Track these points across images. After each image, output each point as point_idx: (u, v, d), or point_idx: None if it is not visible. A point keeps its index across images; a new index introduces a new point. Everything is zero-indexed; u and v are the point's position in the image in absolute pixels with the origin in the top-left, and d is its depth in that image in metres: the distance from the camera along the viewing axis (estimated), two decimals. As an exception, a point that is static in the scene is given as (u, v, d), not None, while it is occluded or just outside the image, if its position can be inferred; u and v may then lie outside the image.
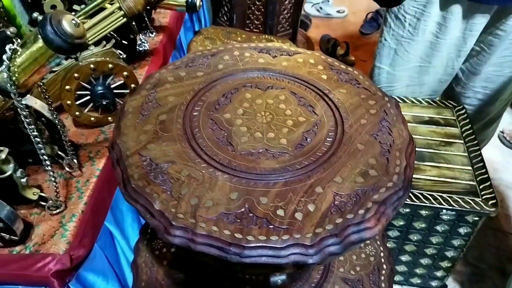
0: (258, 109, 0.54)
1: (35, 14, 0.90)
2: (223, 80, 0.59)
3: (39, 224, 0.71)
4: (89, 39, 0.75)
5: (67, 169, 0.77)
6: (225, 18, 1.44)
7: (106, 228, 0.82)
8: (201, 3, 1.04)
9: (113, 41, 0.91)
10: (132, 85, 0.87)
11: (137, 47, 1.08)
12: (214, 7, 1.56)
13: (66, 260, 0.67)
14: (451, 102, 1.36)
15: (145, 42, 1.10)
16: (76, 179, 0.79)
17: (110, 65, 0.82)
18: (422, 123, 1.28)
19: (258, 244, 0.39)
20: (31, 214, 0.73)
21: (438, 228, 1.07)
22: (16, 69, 0.52)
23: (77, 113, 0.85)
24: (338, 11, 2.83)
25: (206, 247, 0.40)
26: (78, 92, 0.84)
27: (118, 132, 0.50)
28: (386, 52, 1.32)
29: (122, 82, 0.87)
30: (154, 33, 1.18)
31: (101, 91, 0.84)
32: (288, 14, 1.43)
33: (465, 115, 1.30)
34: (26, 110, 0.56)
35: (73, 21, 0.49)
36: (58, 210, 0.72)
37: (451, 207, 1.00)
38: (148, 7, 1.04)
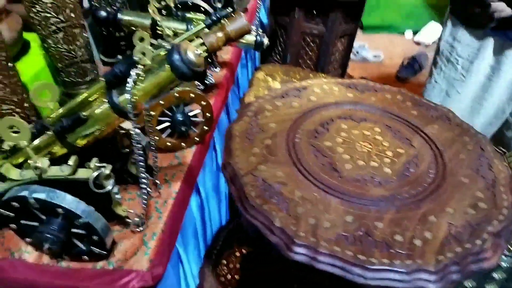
0: (356, 139, 0.56)
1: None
2: (316, 111, 0.62)
3: (121, 240, 0.74)
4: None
5: (149, 189, 0.81)
6: (279, 57, 1.51)
7: (176, 249, 0.84)
8: (268, 42, 1.11)
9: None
10: (208, 114, 0.92)
11: (205, 80, 1.14)
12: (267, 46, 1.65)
13: (148, 277, 0.68)
14: (501, 148, 1.36)
15: (211, 75, 1.16)
16: (154, 200, 0.82)
17: (192, 95, 0.87)
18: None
19: (382, 267, 0.40)
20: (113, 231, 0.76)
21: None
22: (137, 92, 0.57)
23: (156, 137, 0.89)
24: (374, 56, 2.91)
25: (328, 266, 0.41)
26: (160, 118, 0.89)
27: (229, 153, 0.53)
28: (437, 93, 1.35)
29: (199, 111, 0.92)
30: (218, 68, 1.25)
31: (181, 118, 0.88)
32: (339, 56, 1.49)
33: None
34: (137, 130, 0.61)
35: (196, 51, 0.54)
36: (141, 228, 0.75)
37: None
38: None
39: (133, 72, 0.54)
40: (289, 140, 0.55)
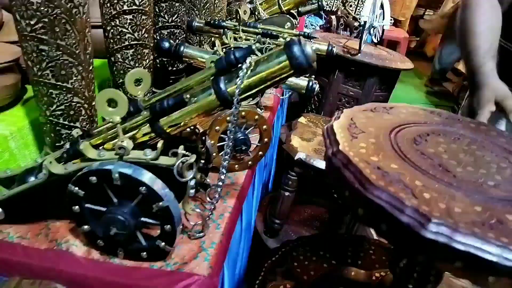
0: (457, 150, 0.58)
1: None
2: (409, 125, 0.64)
3: (178, 244, 0.69)
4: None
5: (208, 199, 0.78)
6: (313, 111, 1.58)
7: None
8: (318, 89, 1.17)
9: (258, 98, 1.01)
10: (265, 139, 0.93)
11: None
12: (301, 101, 1.73)
13: (208, 283, 0.63)
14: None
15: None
16: (209, 211, 0.78)
17: (256, 117, 0.90)
18: None
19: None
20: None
21: None
22: (244, 82, 0.59)
23: (214, 154, 0.89)
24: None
25: (467, 246, 0.39)
26: (221, 135, 0.89)
27: (337, 144, 0.54)
28: None
29: (257, 134, 0.93)
30: (262, 110, 1.30)
31: (243, 137, 0.89)
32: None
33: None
34: (235, 120, 0.61)
35: (312, 47, 0.57)
36: (200, 235, 0.71)
37: None
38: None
39: (249, 60, 0.57)
40: (392, 142, 0.56)
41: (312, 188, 1.40)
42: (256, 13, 1.64)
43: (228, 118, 0.86)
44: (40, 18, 0.68)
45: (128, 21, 0.95)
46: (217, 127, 0.86)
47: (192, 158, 0.62)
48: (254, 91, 0.60)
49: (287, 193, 1.13)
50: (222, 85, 0.59)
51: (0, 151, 0.87)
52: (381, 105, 0.70)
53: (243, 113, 0.87)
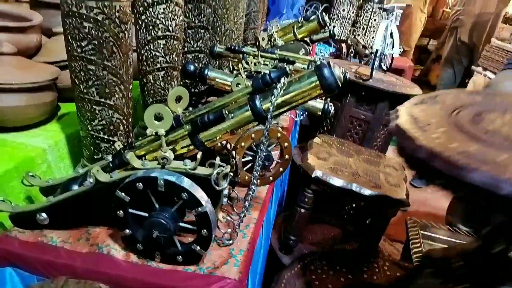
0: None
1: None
2: (460, 108, 0.68)
3: (209, 250, 0.74)
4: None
5: (235, 210, 0.83)
6: (327, 132, 1.64)
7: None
8: (333, 111, 1.24)
9: (278, 118, 1.07)
10: (286, 156, 0.99)
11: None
12: (311, 124, 1.80)
13: (239, 285, 0.67)
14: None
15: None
16: (235, 222, 0.83)
17: (279, 134, 0.96)
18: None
19: None
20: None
21: None
22: (278, 100, 0.65)
23: (238, 169, 0.95)
24: (388, 162, 3.09)
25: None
26: (246, 151, 0.95)
27: (413, 140, 0.58)
28: None
29: (278, 151, 0.99)
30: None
31: (266, 154, 0.95)
32: (381, 142, 1.62)
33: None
34: (267, 135, 0.67)
35: (341, 70, 0.64)
36: (229, 242, 0.76)
37: None
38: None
39: (283, 80, 0.64)
40: (457, 127, 0.60)
41: (326, 207, 1.44)
42: (272, 40, 1.74)
43: (253, 135, 0.92)
44: (91, 41, 0.76)
45: (161, 45, 1.04)
46: (243, 143, 0.92)
47: (227, 169, 0.67)
48: (286, 108, 0.66)
49: (302, 210, 1.18)
50: (257, 102, 0.65)
51: (40, 163, 0.93)
52: (426, 96, 0.74)
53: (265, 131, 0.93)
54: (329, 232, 1.44)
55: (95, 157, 0.88)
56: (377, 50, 1.42)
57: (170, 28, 1.02)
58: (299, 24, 1.74)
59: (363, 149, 1.35)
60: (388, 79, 1.57)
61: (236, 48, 1.45)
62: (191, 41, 1.29)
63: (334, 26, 2.81)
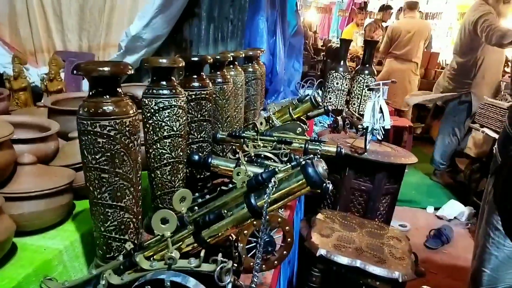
0: None
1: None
2: None
3: None
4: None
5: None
6: (329, 206, 1.69)
7: None
8: (332, 188, 1.30)
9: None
10: (289, 239, 1.04)
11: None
12: (315, 197, 1.85)
13: None
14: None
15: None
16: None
17: (279, 219, 1.01)
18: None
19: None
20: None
21: None
22: (271, 197, 0.72)
23: (243, 256, 0.99)
24: (400, 225, 3.06)
25: None
26: (249, 238, 1.00)
27: None
28: (488, 257, 1.43)
29: (281, 235, 1.04)
30: (282, 209, 1.41)
31: (269, 239, 1.00)
32: (384, 211, 1.65)
33: None
34: (264, 229, 0.73)
35: (323, 167, 0.72)
36: (237, 335, 0.78)
37: None
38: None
39: (274, 179, 0.71)
40: None
41: (336, 285, 1.44)
42: (271, 121, 1.87)
43: (254, 222, 0.98)
44: (104, 153, 0.86)
45: (167, 144, 1.14)
46: (245, 231, 0.98)
47: (229, 264, 0.72)
48: (279, 204, 0.73)
49: (312, 290, 1.19)
50: (253, 201, 0.72)
51: (56, 264, 0.99)
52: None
53: (267, 217, 0.99)
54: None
55: (107, 256, 0.94)
56: (367, 127, 1.52)
57: (175, 128, 1.14)
58: (294, 105, 1.88)
59: (366, 222, 1.39)
60: (383, 149, 1.65)
61: (237, 133, 1.57)
62: (195, 133, 1.41)
63: (330, 98, 2.99)
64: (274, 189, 0.72)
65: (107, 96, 0.85)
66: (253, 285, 0.79)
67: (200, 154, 1.39)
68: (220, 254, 0.74)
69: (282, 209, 1.41)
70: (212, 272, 0.71)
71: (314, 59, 3.80)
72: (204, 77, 1.39)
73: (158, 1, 2.30)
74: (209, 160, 1.33)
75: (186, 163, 1.31)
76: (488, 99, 3.34)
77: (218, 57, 1.60)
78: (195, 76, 1.36)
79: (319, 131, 2.61)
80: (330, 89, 2.96)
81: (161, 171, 1.17)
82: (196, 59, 1.39)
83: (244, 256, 0.99)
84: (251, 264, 1.00)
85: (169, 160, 1.17)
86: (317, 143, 1.51)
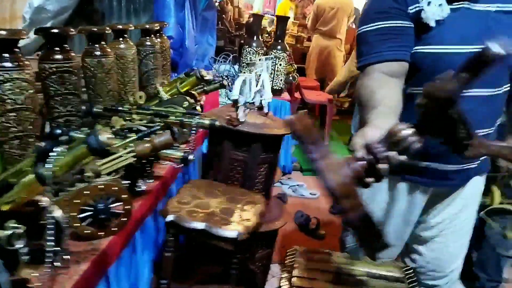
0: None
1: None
2: None
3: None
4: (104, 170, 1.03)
5: (59, 264, 0.90)
6: (212, 177, 1.77)
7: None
8: (194, 159, 1.36)
9: (122, 173, 1.18)
10: (127, 207, 1.09)
11: (135, 187, 1.34)
12: (204, 168, 1.93)
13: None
14: (399, 263, 1.55)
15: (143, 185, 1.37)
16: (63, 275, 0.90)
17: (115, 188, 1.06)
18: (374, 278, 1.44)
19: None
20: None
21: None
22: (58, 164, 0.76)
23: (76, 224, 1.03)
24: (311, 193, 3.25)
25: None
26: (83, 207, 1.04)
27: None
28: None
29: (120, 204, 1.09)
30: (152, 180, 1.46)
31: (102, 207, 1.04)
32: (263, 179, 1.77)
33: (412, 274, 1.47)
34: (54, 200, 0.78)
35: (109, 136, 0.77)
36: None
37: None
38: (151, 158, 1.36)
39: (56, 149, 0.75)
40: None
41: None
42: (159, 95, 1.89)
43: (86, 192, 1.02)
44: None
45: (12, 117, 1.14)
46: (77, 200, 1.01)
47: (21, 229, 0.76)
48: (70, 167, 0.78)
49: (167, 254, 1.27)
50: (39, 169, 0.76)
51: None
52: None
53: (101, 186, 1.04)
54: (210, 270, 1.52)
55: None
56: (236, 100, 1.59)
57: (19, 101, 1.14)
58: (182, 80, 1.91)
59: (234, 189, 1.48)
60: (262, 121, 1.73)
61: (113, 107, 1.58)
62: (60, 107, 1.40)
63: (244, 73, 3.04)
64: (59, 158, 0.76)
65: None
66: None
67: (65, 128, 1.40)
68: (12, 221, 0.77)
69: (152, 180, 1.46)
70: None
71: (231, 33, 3.82)
72: (68, 49, 1.37)
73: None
74: (71, 133, 1.34)
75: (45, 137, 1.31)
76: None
77: (95, 29, 1.59)
78: (57, 49, 1.35)
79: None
80: (244, 64, 3.01)
81: (9, 145, 1.17)
82: (56, 31, 1.37)
83: (78, 224, 1.03)
84: (86, 231, 1.05)
85: (16, 134, 1.16)
86: (193, 117, 1.56)
